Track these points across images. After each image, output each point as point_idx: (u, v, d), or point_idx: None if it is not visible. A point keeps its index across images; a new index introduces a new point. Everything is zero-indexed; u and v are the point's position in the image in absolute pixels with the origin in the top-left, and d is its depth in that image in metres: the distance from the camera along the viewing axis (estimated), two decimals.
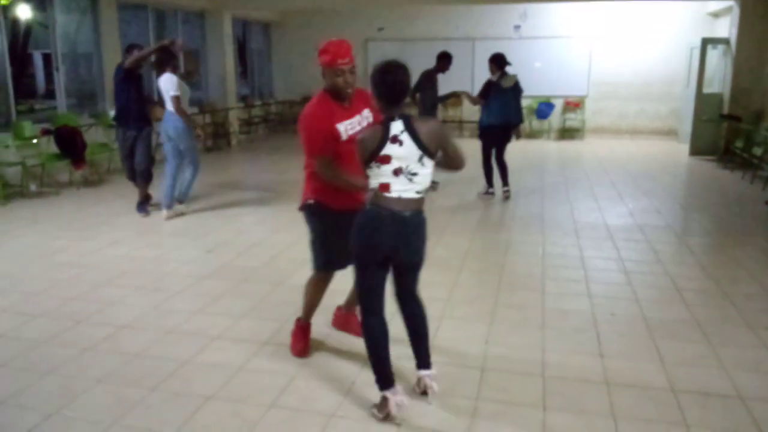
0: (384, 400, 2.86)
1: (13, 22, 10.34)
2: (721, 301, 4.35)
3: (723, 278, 4.82)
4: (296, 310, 4.15)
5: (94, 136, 9.08)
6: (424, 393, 3.02)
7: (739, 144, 9.69)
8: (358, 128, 3.07)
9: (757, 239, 5.93)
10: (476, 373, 3.30)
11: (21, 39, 11.86)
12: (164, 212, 6.63)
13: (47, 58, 10.40)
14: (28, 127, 8.18)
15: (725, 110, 10.63)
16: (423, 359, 3.04)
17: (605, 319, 4.03)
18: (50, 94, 10.32)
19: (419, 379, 3.04)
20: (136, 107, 6.67)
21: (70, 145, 8.04)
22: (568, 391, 3.14)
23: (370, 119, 3.16)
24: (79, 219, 6.67)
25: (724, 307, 4.25)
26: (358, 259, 2.90)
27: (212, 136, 12.19)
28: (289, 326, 3.89)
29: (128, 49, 6.73)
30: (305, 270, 4.97)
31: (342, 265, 3.36)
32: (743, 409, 2.97)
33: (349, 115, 3.13)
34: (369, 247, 2.83)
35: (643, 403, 3.02)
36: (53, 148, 8.12)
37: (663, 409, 2.97)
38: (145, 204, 6.88)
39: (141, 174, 6.82)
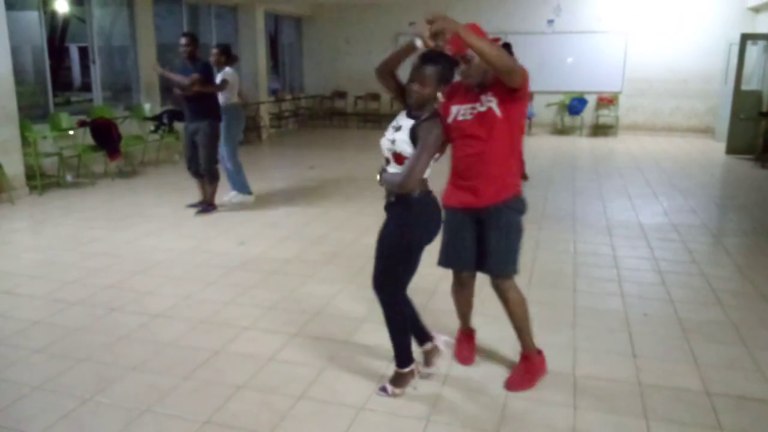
0: (412, 371, 3.04)
1: (52, 16, 10.55)
2: (758, 303, 4.24)
3: (760, 280, 4.70)
4: (326, 302, 4.18)
5: (129, 128, 9.25)
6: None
7: None
8: (469, 117, 2.91)
9: None
10: (506, 371, 3.26)
11: (59, 32, 12.10)
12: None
13: (83, 52, 10.60)
14: (65, 119, 8.35)
15: (764, 108, 10.37)
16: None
17: (638, 319, 3.96)
18: (86, 86, 10.51)
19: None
20: (195, 99, 6.35)
21: (106, 137, 8.19)
22: (599, 391, 3.10)
23: (489, 105, 2.86)
24: (113, 209, 6.80)
25: (761, 309, 4.15)
26: (421, 246, 2.90)
27: (244, 129, 12.28)
28: (319, 318, 3.93)
29: (188, 37, 6.67)
30: (336, 262, 5.03)
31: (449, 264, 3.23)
32: None
33: (470, 100, 2.93)
34: (435, 232, 2.94)
35: (676, 405, 2.96)
36: (89, 140, 8.28)
37: (697, 411, 2.91)
38: (209, 207, 6.65)
39: (205, 173, 6.56)
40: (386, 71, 2.87)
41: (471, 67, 2.83)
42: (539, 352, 3.21)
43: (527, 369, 3.16)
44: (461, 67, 2.83)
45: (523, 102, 2.92)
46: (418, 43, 2.55)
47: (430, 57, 2.70)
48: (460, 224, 3.06)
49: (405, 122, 2.81)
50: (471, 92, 2.93)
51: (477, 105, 2.89)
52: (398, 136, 2.79)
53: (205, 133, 6.43)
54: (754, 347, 3.56)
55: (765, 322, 3.94)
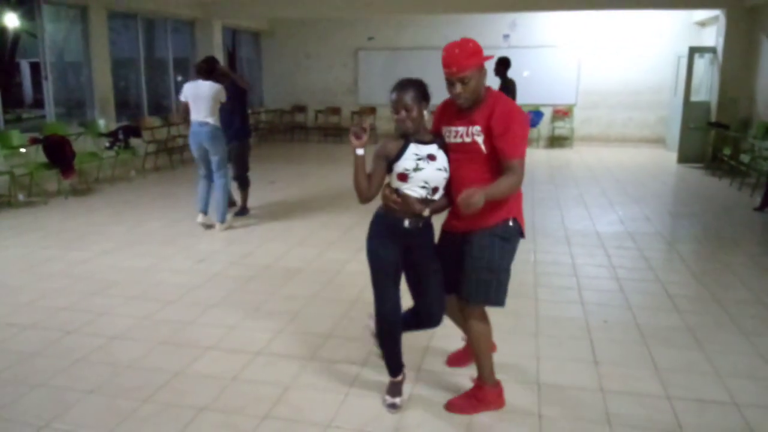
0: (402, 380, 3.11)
1: (1, 31, 10.28)
2: (713, 308, 4.37)
3: (714, 285, 4.85)
4: (290, 319, 4.13)
5: (83, 145, 9.03)
6: None
7: (726, 151, 9.78)
8: (457, 139, 2.84)
9: (747, 246, 5.98)
10: (471, 382, 3.28)
11: (8, 48, 11.79)
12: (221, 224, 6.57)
13: (35, 67, 10.34)
14: (16, 136, 8.11)
15: (713, 118, 10.73)
16: None
17: (598, 326, 4.03)
18: (38, 103, 10.26)
19: None
20: (241, 119, 6.96)
21: (59, 155, 7.98)
22: (563, 398, 3.13)
23: (474, 137, 2.79)
24: (68, 229, 6.61)
25: (716, 313, 4.27)
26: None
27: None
28: (284, 335, 3.88)
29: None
30: (299, 278, 4.98)
31: None
32: (738, 415, 2.98)
33: (459, 123, 2.84)
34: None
35: (638, 410, 3.02)
36: (42, 158, 8.05)
37: (658, 415, 2.97)
38: (244, 210, 7.17)
39: (239, 181, 7.05)
40: (374, 190, 2.87)
41: (467, 90, 2.72)
42: (495, 384, 3.03)
43: (475, 395, 3.01)
44: (457, 89, 2.73)
45: None
46: (359, 152, 2.78)
47: (403, 84, 2.79)
48: (443, 244, 3.01)
49: (430, 150, 2.84)
50: (461, 115, 2.83)
51: (464, 133, 2.81)
52: (444, 162, 2.84)
53: (245, 147, 7.05)
54: (710, 351, 3.66)
55: (720, 325, 4.05)
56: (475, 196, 2.52)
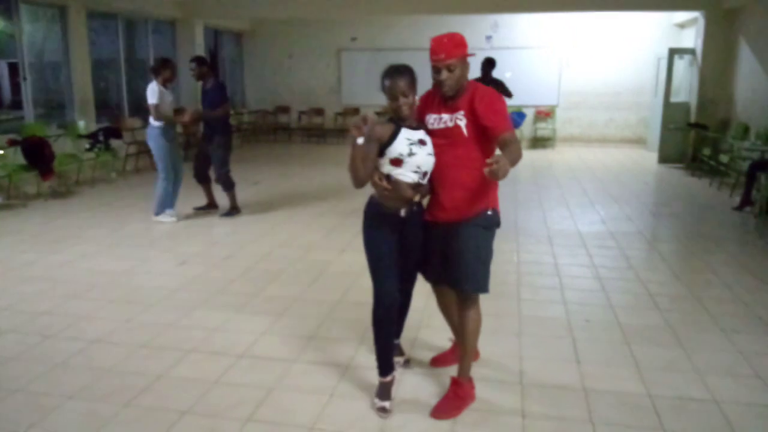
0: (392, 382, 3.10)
1: None
2: (694, 306, 4.41)
3: (694, 283, 4.90)
4: (274, 320, 4.11)
5: (63, 146, 8.91)
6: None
7: (706, 152, 9.90)
8: (440, 125, 2.92)
9: (727, 245, 6.06)
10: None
11: None
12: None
13: (13, 68, 10.19)
14: None
15: (692, 119, 10.87)
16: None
17: (581, 326, 4.06)
18: (17, 104, 10.09)
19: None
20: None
21: (38, 156, 7.87)
22: (546, 398, 3.15)
23: (456, 121, 2.87)
24: (47, 231, 6.52)
25: (697, 312, 4.32)
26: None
27: (184, 146, 12.04)
28: (266, 337, 3.85)
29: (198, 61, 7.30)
30: (281, 280, 4.96)
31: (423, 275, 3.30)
32: (718, 412, 3.01)
33: (442, 110, 2.93)
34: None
35: (620, 409, 3.04)
36: (20, 159, 7.93)
37: (640, 414, 3.00)
38: (232, 211, 7.15)
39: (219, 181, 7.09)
40: (368, 172, 2.87)
41: (452, 77, 2.81)
42: (470, 380, 3.09)
43: (456, 394, 3.03)
44: (443, 75, 2.81)
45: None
46: (359, 140, 2.81)
47: (396, 71, 2.85)
48: (427, 236, 3.06)
49: (420, 135, 2.91)
50: (444, 103, 2.92)
51: (447, 119, 2.90)
52: (431, 147, 2.90)
53: (218, 145, 7.01)
54: (690, 349, 3.69)
55: (700, 324, 4.10)
56: (502, 162, 2.48)
